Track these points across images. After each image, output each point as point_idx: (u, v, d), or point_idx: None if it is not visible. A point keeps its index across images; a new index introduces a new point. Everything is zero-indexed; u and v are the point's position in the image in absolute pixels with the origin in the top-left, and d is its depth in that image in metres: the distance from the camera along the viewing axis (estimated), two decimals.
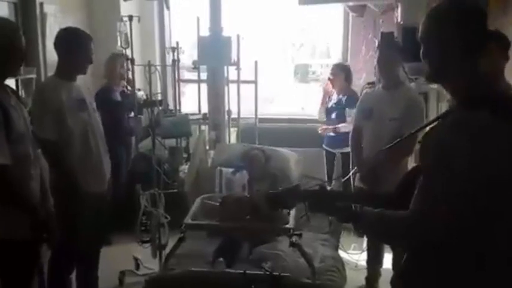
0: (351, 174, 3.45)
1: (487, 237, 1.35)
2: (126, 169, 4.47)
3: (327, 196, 1.73)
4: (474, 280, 1.37)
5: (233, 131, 4.72)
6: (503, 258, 1.37)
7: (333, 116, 4.55)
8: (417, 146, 3.35)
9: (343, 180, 3.96)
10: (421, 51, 1.47)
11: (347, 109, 4.44)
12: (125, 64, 4.37)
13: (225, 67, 4.36)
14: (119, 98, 4.41)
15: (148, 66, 4.36)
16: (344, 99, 4.51)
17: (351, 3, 4.82)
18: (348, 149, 4.28)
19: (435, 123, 1.48)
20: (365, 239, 3.55)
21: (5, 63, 2.23)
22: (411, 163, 3.33)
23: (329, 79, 4.69)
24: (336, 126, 4.44)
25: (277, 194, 1.86)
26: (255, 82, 4.65)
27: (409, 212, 1.36)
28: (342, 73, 4.62)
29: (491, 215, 1.34)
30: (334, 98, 4.63)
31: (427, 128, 1.51)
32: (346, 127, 4.38)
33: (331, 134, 4.44)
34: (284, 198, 1.82)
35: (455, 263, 1.39)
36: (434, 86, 4.00)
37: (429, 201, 1.32)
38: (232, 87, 4.58)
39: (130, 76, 4.36)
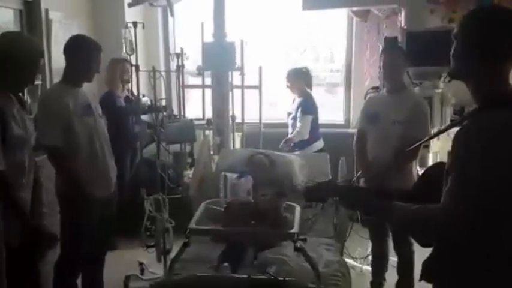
0: (355, 177, 3.44)
1: (494, 237, 1.38)
2: (131, 174, 4.48)
3: (359, 192, 1.84)
4: (481, 280, 1.41)
5: (237, 136, 4.73)
6: (506, 258, 1.39)
7: (290, 120, 4.61)
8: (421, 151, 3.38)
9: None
10: (452, 47, 1.51)
11: (299, 115, 4.45)
12: (129, 69, 4.40)
13: (229, 72, 4.37)
14: (122, 103, 4.43)
15: (153, 72, 4.38)
16: (298, 101, 4.53)
17: (354, 8, 4.83)
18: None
19: (452, 126, 1.53)
20: (369, 244, 3.55)
21: (16, 77, 2.25)
22: (416, 167, 3.32)
23: (287, 87, 4.68)
24: (287, 138, 4.48)
25: (314, 187, 1.94)
26: (259, 87, 4.66)
27: (438, 207, 1.39)
28: (300, 77, 4.63)
29: (501, 215, 1.37)
30: (295, 103, 4.65)
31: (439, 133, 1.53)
32: (297, 136, 4.40)
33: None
34: (320, 192, 1.89)
35: (466, 263, 1.42)
36: (439, 90, 4.01)
37: (451, 201, 1.36)
38: (237, 92, 4.59)
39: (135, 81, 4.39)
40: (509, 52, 1.45)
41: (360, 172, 3.38)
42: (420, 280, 1.59)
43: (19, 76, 2.25)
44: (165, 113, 4.49)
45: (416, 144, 1.91)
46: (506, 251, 1.39)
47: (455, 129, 1.49)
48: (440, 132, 2.02)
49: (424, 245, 1.57)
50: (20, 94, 2.91)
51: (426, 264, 1.58)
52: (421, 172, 3.44)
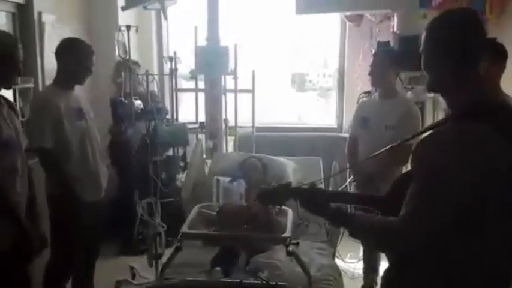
0: (347, 182, 3.45)
1: (453, 251, 1.36)
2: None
3: (319, 195, 1.73)
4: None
5: (230, 140, 4.73)
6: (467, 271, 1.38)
7: None
8: None
9: (340, 188, 3.96)
10: (422, 62, 1.48)
11: None
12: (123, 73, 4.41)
13: (223, 76, 4.37)
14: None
15: (146, 75, 4.38)
16: None
17: (347, 13, 4.85)
18: None
19: (430, 131, 1.49)
20: (361, 248, 3.55)
21: None
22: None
23: None
24: None
25: (269, 189, 1.91)
26: (252, 91, 4.66)
27: (398, 218, 1.36)
28: None
29: (460, 229, 1.33)
30: None
31: (422, 136, 1.52)
32: None
33: None
34: (275, 194, 1.86)
35: (424, 275, 1.41)
36: (431, 94, 4.03)
37: (411, 210, 1.33)
38: (230, 96, 4.59)
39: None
40: (479, 56, 1.41)
41: (351, 176, 3.39)
42: None
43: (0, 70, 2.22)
44: (167, 116, 4.53)
45: (389, 146, 1.87)
46: (468, 263, 1.37)
47: None
48: (420, 133, 2.00)
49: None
50: (12, 97, 2.90)
51: (385, 274, 1.58)
52: None
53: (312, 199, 1.69)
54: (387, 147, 1.86)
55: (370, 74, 3.27)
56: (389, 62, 3.21)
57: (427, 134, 1.46)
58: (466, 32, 1.40)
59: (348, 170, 3.45)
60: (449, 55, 1.41)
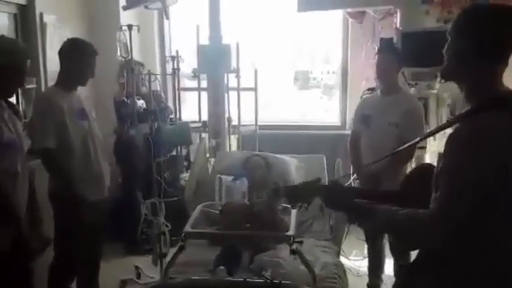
0: (351, 180, 3.43)
1: (483, 244, 1.36)
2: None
3: (344, 191, 1.72)
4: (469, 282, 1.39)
5: (233, 139, 4.72)
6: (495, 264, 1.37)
7: None
8: (417, 152, 3.38)
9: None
10: (446, 45, 1.47)
11: None
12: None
13: (225, 75, 4.36)
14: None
15: (149, 75, 4.38)
16: None
17: (349, 10, 4.83)
18: None
19: (445, 128, 1.49)
20: (366, 246, 3.54)
21: (3, 82, 2.22)
22: (411, 168, 3.31)
23: None
24: None
25: (298, 187, 1.87)
26: (254, 89, 4.65)
27: (428, 213, 1.35)
28: None
29: (492, 223, 1.34)
30: None
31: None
32: None
33: None
34: (302, 193, 1.82)
35: (454, 268, 1.40)
36: (435, 91, 4.01)
37: (441, 209, 1.33)
38: (232, 94, 4.58)
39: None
40: (505, 51, 1.40)
41: (355, 174, 3.36)
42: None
43: (6, 80, 2.22)
44: (171, 116, 4.53)
45: (405, 146, 1.84)
46: (496, 258, 1.37)
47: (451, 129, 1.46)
48: (431, 133, 1.96)
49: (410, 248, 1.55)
50: (14, 100, 2.90)
51: (411, 266, 1.57)
52: None
53: (340, 196, 1.68)
54: (393, 153, 1.84)
55: (378, 76, 3.25)
56: (396, 60, 3.20)
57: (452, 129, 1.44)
58: (499, 27, 1.38)
59: (352, 167, 3.43)
60: (477, 45, 1.38)
